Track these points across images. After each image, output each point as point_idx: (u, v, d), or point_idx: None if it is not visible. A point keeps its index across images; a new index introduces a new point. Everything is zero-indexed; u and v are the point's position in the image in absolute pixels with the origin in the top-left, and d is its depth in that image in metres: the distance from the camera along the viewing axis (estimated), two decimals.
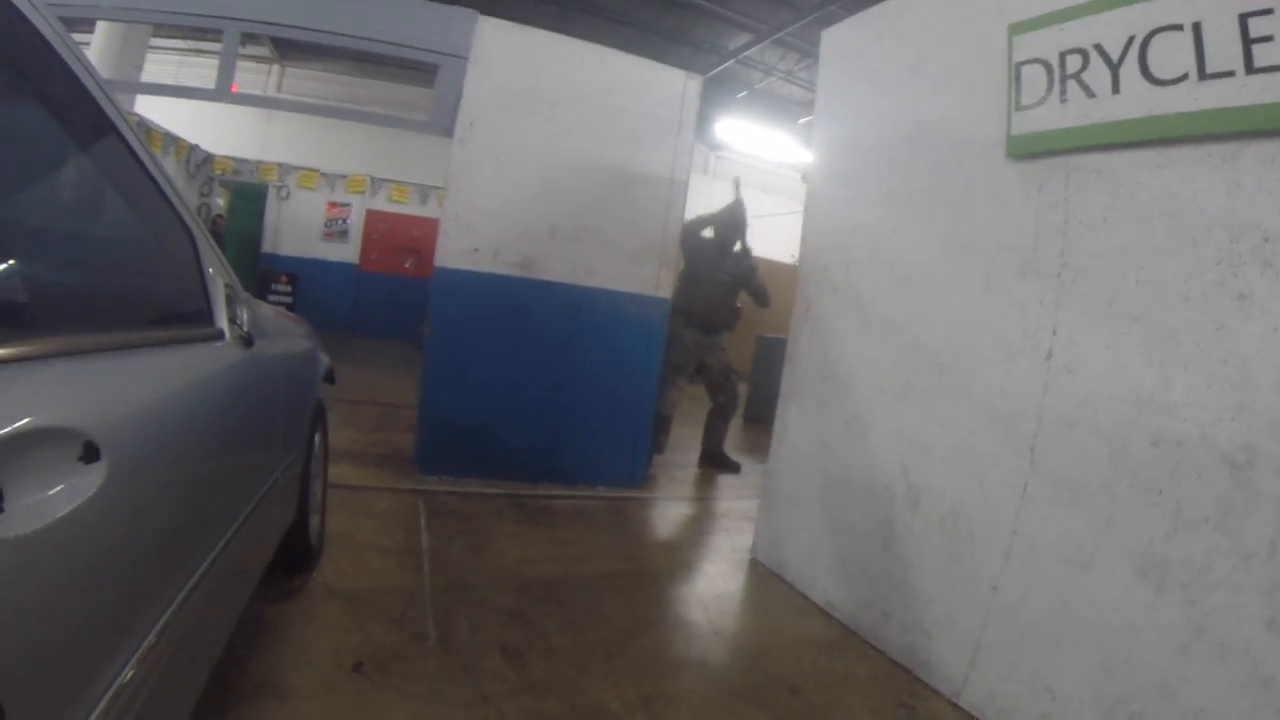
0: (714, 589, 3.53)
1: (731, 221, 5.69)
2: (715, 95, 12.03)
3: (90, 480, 0.99)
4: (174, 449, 1.33)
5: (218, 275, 1.81)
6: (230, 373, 1.77)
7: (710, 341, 5.73)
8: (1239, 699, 1.80)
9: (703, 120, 12.38)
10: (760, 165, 15.05)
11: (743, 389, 8.67)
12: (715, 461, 5.92)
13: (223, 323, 1.78)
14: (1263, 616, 1.76)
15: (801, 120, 12.31)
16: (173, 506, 1.32)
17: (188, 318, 1.70)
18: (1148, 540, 2.03)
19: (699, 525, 4.58)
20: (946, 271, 2.82)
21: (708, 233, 5.69)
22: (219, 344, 1.75)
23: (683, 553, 4.05)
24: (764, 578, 3.69)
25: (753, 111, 12.19)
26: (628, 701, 2.40)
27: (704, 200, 5.88)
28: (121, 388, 1.21)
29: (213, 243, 1.84)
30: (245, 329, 1.91)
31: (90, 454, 1.00)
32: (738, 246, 5.73)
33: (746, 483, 5.05)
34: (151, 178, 1.53)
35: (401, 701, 2.24)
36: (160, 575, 1.27)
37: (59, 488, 0.93)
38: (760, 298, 5.79)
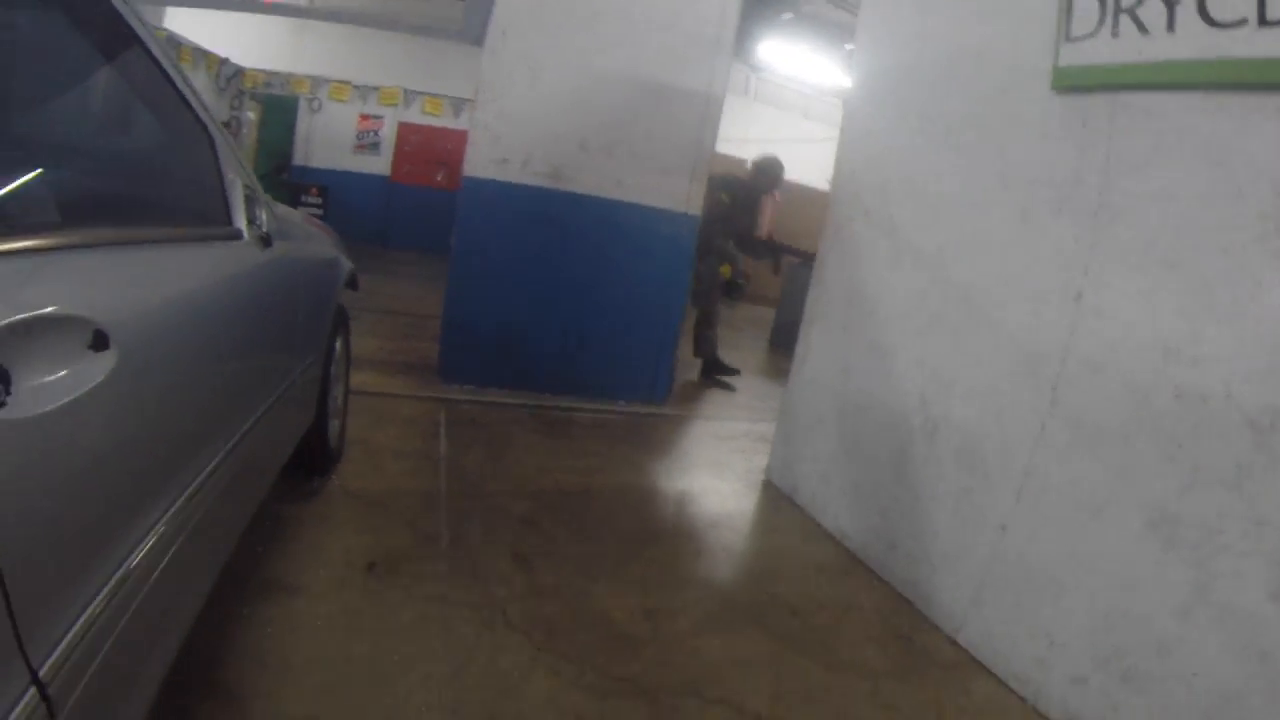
0: (726, 508, 3.58)
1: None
2: (761, 15, 11.65)
3: (98, 368, 1.00)
4: (186, 342, 1.34)
5: (236, 177, 1.82)
6: (246, 271, 1.79)
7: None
8: (1233, 667, 1.79)
9: (746, 40, 12.06)
10: (802, 90, 14.66)
11: (769, 316, 8.68)
12: (714, 369, 6.01)
13: (241, 223, 1.80)
14: (1268, 586, 1.74)
15: (847, 46, 11.92)
16: (183, 399, 1.34)
17: (205, 216, 1.71)
18: (1161, 495, 2.00)
19: (717, 444, 4.61)
20: (981, 203, 2.74)
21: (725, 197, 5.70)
22: (236, 243, 1.76)
23: (698, 470, 4.09)
24: (776, 500, 3.73)
25: (798, 34, 11.81)
26: (630, 611, 2.46)
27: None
28: (134, 279, 1.22)
29: (234, 145, 1.84)
30: (264, 230, 1.92)
31: (99, 342, 1.01)
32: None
33: (767, 405, 5.05)
34: (171, 82, 1.53)
35: (410, 601, 2.30)
36: (169, 466, 1.29)
37: (66, 373, 0.94)
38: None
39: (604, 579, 2.64)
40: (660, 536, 3.11)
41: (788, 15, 11.71)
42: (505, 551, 2.71)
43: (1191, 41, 1.98)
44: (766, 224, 5.86)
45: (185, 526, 1.31)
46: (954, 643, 2.59)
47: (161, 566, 1.22)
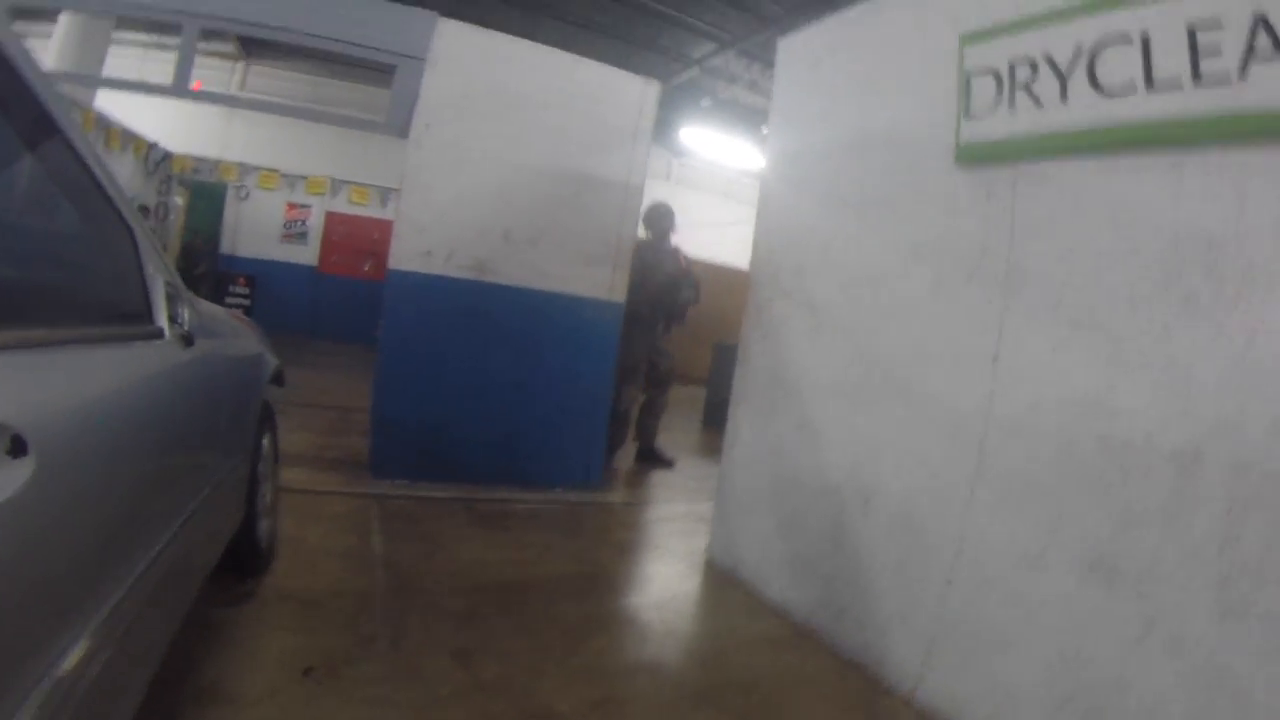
0: (669, 590, 3.53)
1: (656, 218, 5.76)
2: (680, 102, 12.06)
3: (17, 474, 0.96)
4: (107, 446, 1.30)
5: (158, 273, 1.78)
6: (169, 371, 1.74)
7: (659, 345, 5.80)
8: (1194, 689, 1.82)
9: (667, 127, 12.44)
10: (723, 173, 15.13)
11: (700, 395, 8.75)
12: (649, 457, 6.01)
13: (163, 321, 1.75)
14: (1214, 609, 1.79)
15: (763, 129, 12.34)
16: (105, 504, 1.29)
17: (126, 315, 1.67)
18: (1096, 538, 2.06)
19: (655, 527, 4.58)
20: (896, 276, 2.85)
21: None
22: (158, 342, 1.72)
23: (638, 555, 4.06)
24: (719, 579, 3.69)
25: (717, 119, 12.25)
26: (578, 704, 2.38)
27: None
28: (53, 383, 1.18)
29: (154, 241, 1.81)
30: (186, 328, 1.88)
31: (17, 448, 0.97)
32: (673, 242, 5.84)
33: (704, 486, 5.05)
34: (92, 174, 1.51)
35: (350, 705, 2.21)
36: (93, 574, 1.23)
37: None
38: (690, 292, 5.86)
39: (548, 672, 2.56)
40: (604, 625, 3.04)
41: (706, 101, 12.16)
42: (446, 649, 2.61)
43: (1084, 110, 2.12)
44: (682, 262, 5.88)
45: (111, 636, 1.25)
46: (911, 704, 2.57)
47: (88, 680, 1.16)
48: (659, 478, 5.75)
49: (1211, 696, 1.79)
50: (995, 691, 2.30)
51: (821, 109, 3.40)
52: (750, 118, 12.21)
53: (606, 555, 3.89)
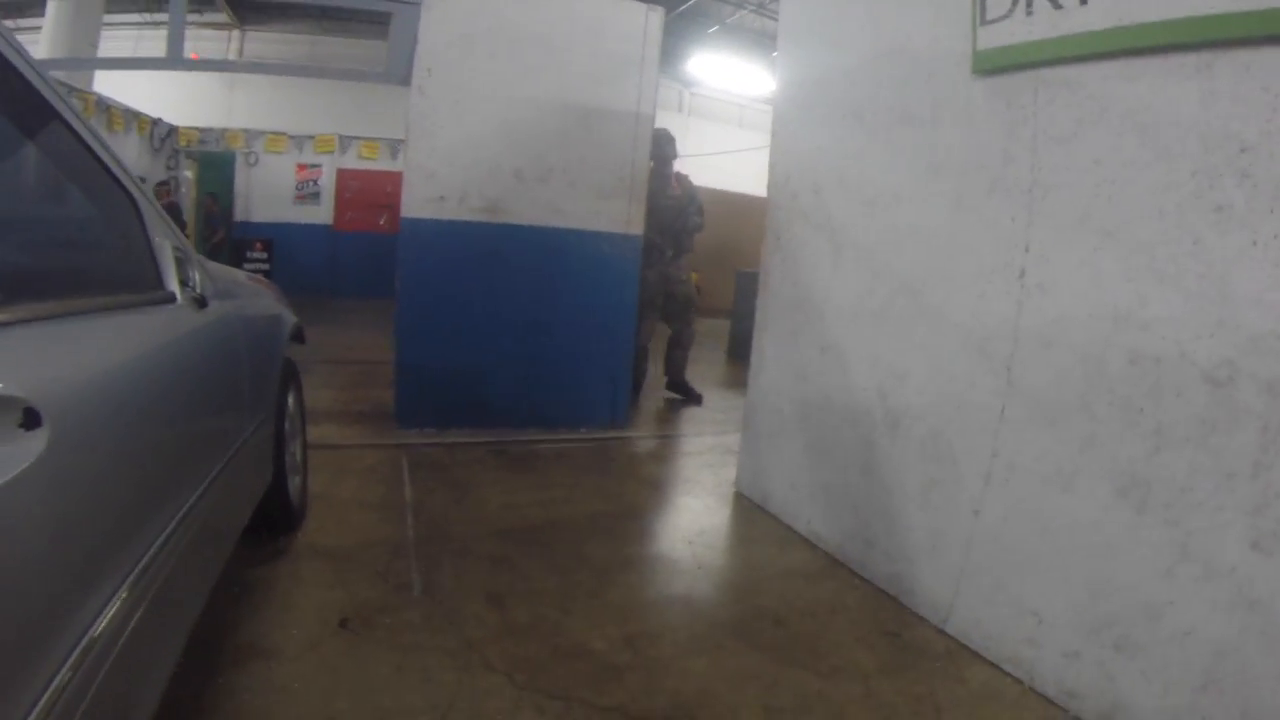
0: (698, 524, 3.53)
1: (656, 146, 5.62)
2: (687, 31, 11.79)
3: (32, 447, 0.97)
4: (123, 413, 1.30)
5: (165, 240, 1.77)
6: (182, 335, 1.74)
7: (672, 273, 5.74)
8: (1225, 621, 1.79)
9: (675, 57, 12.18)
10: (735, 100, 14.85)
11: (724, 327, 8.68)
12: (678, 389, 6.00)
13: (173, 286, 1.75)
14: (1247, 537, 1.75)
15: (774, 54, 12.02)
16: (125, 471, 1.30)
17: (136, 283, 1.66)
18: (1128, 460, 2.01)
19: (683, 461, 4.59)
20: (916, 193, 2.76)
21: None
22: (169, 307, 1.71)
23: (667, 489, 4.06)
24: (748, 511, 3.70)
25: (725, 46, 11.98)
26: (611, 640, 2.40)
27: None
28: (64, 353, 1.18)
29: (159, 208, 1.80)
30: (199, 291, 1.88)
31: (30, 420, 0.98)
32: (675, 168, 5.73)
33: (731, 418, 5.04)
34: (90, 150, 1.51)
35: (387, 653, 2.24)
36: (118, 540, 1.24)
37: None
38: (696, 218, 5.78)
39: (580, 611, 2.58)
40: (634, 561, 3.06)
41: (714, 28, 11.87)
42: (478, 593, 2.64)
43: (1105, 11, 2.01)
44: (687, 187, 5.78)
45: (143, 599, 1.27)
46: (943, 633, 2.57)
47: (123, 641, 1.18)
48: (687, 412, 5.74)
49: (1243, 627, 1.76)
50: (1026, 620, 2.28)
51: (832, 24, 3.28)
52: (760, 42, 11.92)
53: (634, 491, 3.90)
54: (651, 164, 5.59)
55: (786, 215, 3.55)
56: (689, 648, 2.41)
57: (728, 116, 15.06)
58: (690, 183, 5.79)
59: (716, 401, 5.99)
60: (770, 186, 3.72)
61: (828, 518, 3.20)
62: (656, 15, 4.62)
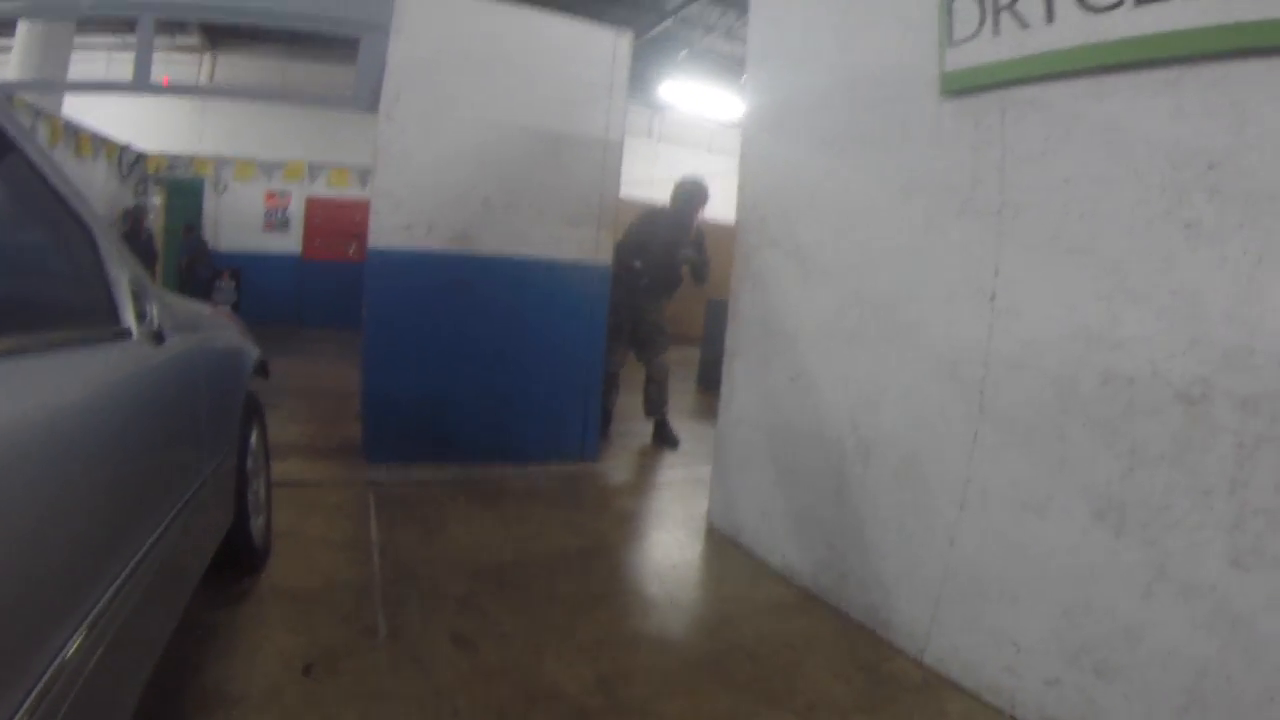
0: (670, 559, 3.47)
1: (682, 194, 5.51)
2: (656, 56, 11.85)
3: None
4: (72, 454, 1.25)
5: (121, 272, 1.72)
6: (138, 371, 1.69)
7: (641, 301, 5.44)
8: (1206, 640, 1.76)
9: (645, 82, 12.24)
10: (704, 125, 14.94)
11: (694, 355, 8.62)
12: (658, 430, 5.71)
13: (129, 320, 1.69)
14: (1226, 554, 1.72)
15: (744, 78, 12.11)
16: (76, 512, 1.25)
17: (90, 317, 1.61)
18: (1104, 481, 1.98)
19: (654, 494, 4.52)
20: (885, 215, 2.74)
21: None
22: (125, 343, 1.66)
23: (638, 524, 3.99)
24: (720, 544, 3.63)
25: (695, 71, 12.05)
26: (584, 681, 2.33)
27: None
28: (8, 392, 1.12)
29: (116, 240, 1.75)
30: (156, 325, 1.82)
31: None
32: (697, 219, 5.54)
33: (701, 449, 4.98)
34: (45, 180, 1.47)
35: (352, 701, 2.16)
36: (68, 588, 1.20)
37: None
38: (700, 272, 5.54)
39: (552, 652, 2.50)
40: (606, 598, 2.98)
41: (683, 52, 11.94)
42: (446, 635, 2.56)
43: (1071, 29, 2.01)
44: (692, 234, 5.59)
45: (100, 642, 1.23)
46: (920, 664, 2.51)
47: (79, 684, 1.15)
48: (658, 445, 5.64)
49: (1224, 645, 1.73)
50: (1004, 648, 2.24)
51: (799, 47, 3.27)
52: (729, 66, 12.01)
53: (606, 526, 3.83)
54: (671, 206, 5.51)
55: (755, 240, 3.52)
56: (663, 688, 2.34)
57: (697, 141, 15.14)
58: (700, 230, 5.56)
59: (687, 432, 5.83)
60: (739, 210, 3.69)
61: (801, 549, 3.14)
62: (625, 40, 4.62)
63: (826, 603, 2.95)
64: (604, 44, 4.57)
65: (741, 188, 3.68)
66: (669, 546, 3.63)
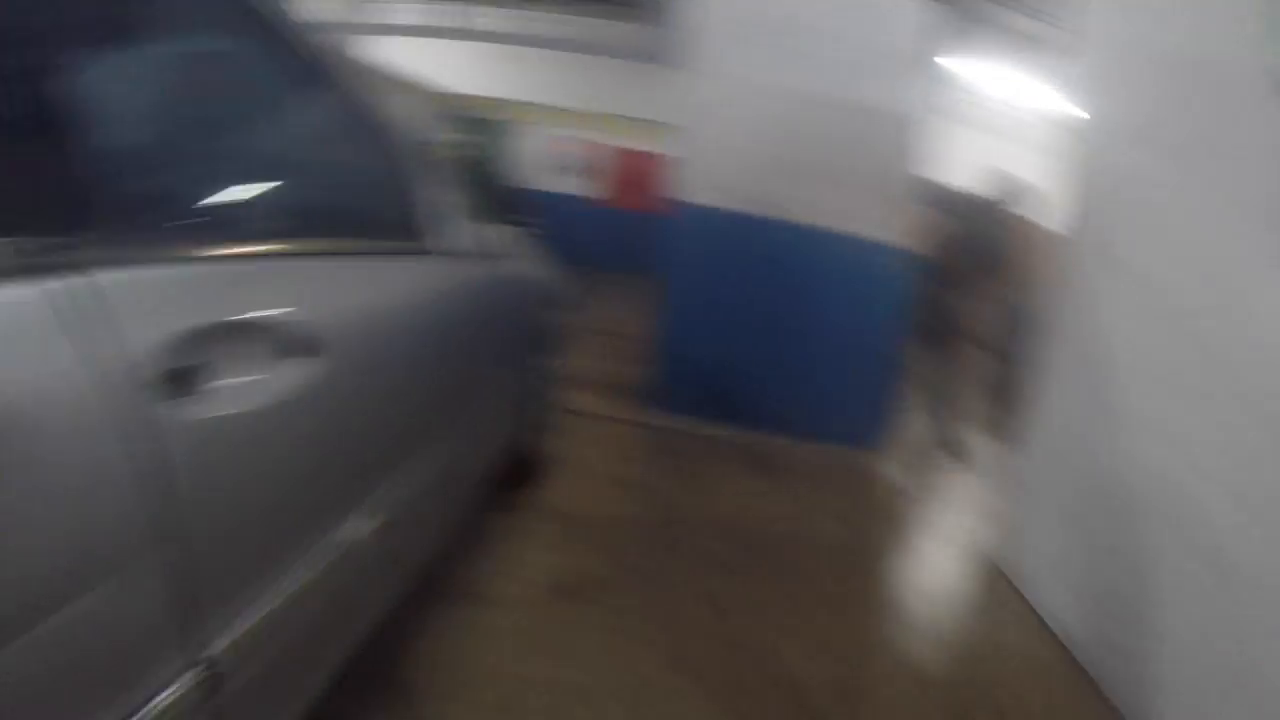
0: (935, 579, 3.28)
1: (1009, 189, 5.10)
2: (954, 30, 11.03)
3: (310, 371, 1.09)
4: (387, 352, 1.42)
5: (433, 195, 1.87)
6: (450, 286, 1.86)
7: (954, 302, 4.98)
8: None
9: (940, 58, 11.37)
10: (996, 109, 13.78)
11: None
12: (946, 442, 5.12)
13: (438, 239, 1.84)
14: None
15: (1076, 72, 10.94)
16: (381, 405, 1.42)
17: (401, 232, 1.76)
18: None
19: (933, 506, 4.20)
20: (1252, 248, 2.17)
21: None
22: (426, 258, 1.80)
23: (909, 532, 3.78)
24: (993, 579, 3.28)
25: (982, 47, 11.09)
26: (821, 682, 2.26)
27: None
28: (343, 289, 1.32)
29: (426, 166, 1.89)
30: (463, 246, 1.97)
31: (312, 347, 1.10)
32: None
33: (988, 465, 4.67)
34: (365, 106, 1.62)
35: (595, 630, 2.28)
36: (366, 468, 1.38)
37: (272, 375, 1.02)
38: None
39: (796, 639, 2.46)
40: (863, 600, 2.89)
41: (979, 29, 11.06)
42: (698, 591, 2.62)
43: None
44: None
45: (380, 525, 1.40)
46: None
47: (377, 548, 1.38)
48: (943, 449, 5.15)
49: None
50: None
51: (1154, 37, 2.77)
52: (1027, 47, 10.95)
53: (877, 527, 3.69)
54: (996, 198, 5.14)
55: (1091, 261, 3.04)
56: (896, 714, 2.23)
57: (985, 123, 14.00)
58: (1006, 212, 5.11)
59: (975, 444, 5.17)
60: (1072, 225, 3.23)
61: (1081, 614, 2.76)
62: (935, 10, 4.34)
63: (1092, 676, 2.58)
64: (911, 13, 4.32)
65: (1078, 198, 3.22)
66: (937, 565, 3.44)
